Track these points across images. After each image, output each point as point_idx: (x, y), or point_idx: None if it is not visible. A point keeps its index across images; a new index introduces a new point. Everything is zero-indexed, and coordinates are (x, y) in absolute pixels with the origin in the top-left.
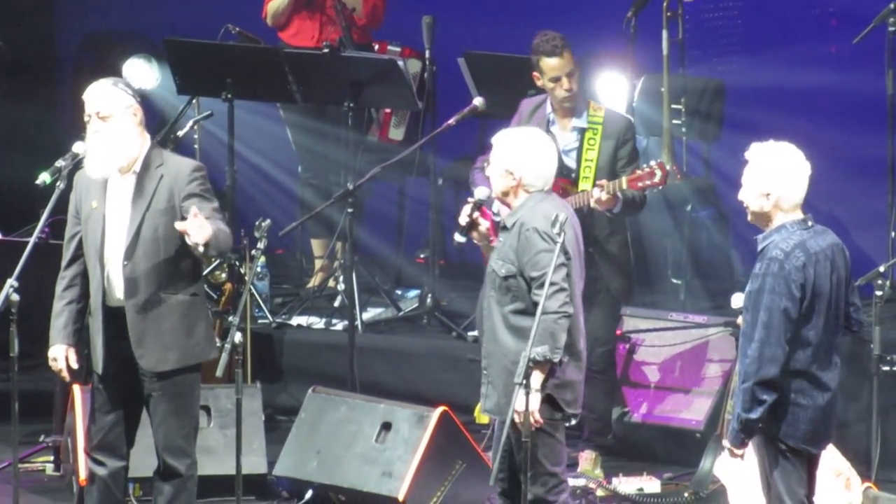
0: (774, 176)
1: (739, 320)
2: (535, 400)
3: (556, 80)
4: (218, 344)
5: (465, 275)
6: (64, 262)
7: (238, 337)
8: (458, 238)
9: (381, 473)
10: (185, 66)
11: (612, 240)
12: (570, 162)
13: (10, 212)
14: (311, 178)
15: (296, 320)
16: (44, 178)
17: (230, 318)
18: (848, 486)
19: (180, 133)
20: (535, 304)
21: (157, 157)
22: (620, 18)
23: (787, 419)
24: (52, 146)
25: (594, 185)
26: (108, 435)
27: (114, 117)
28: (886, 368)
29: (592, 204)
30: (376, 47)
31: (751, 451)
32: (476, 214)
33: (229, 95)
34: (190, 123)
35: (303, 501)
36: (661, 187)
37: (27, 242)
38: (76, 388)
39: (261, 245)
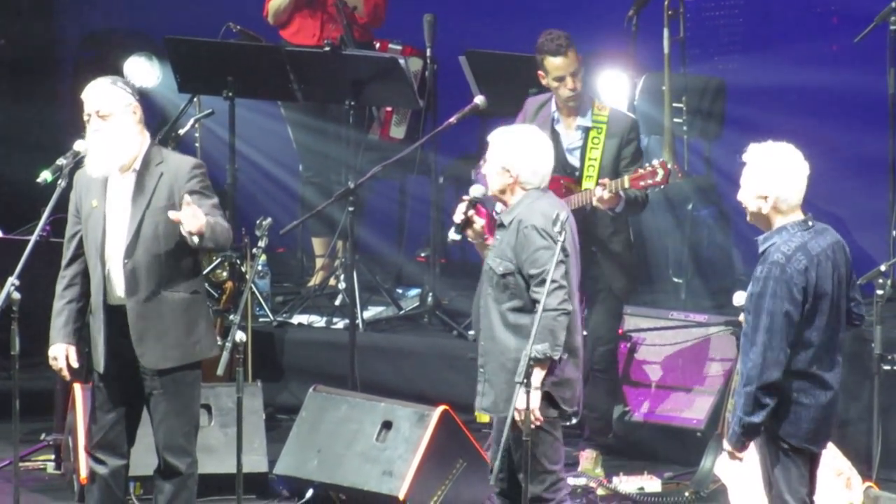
0: (772, 178)
1: (741, 318)
2: (536, 398)
3: (561, 79)
4: (219, 342)
5: (465, 273)
6: (64, 261)
7: (239, 335)
8: (453, 236)
9: (381, 472)
10: (186, 65)
11: (615, 239)
12: (574, 160)
13: (11, 210)
14: (312, 176)
15: (297, 319)
16: (45, 176)
17: (231, 317)
18: (849, 486)
19: (181, 131)
20: (534, 302)
21: (156, 155)
22: (622, 17)
23: (789, 418)
24: (53, 144)
25: (597, 183)
26: (108, 433)
27: (113, 116)
28: (887, 368)
29: (595, 203)
30: (377, 46)
31: (751, 451)
32: (471, 212)
33: (230, 94)
34: (191, 122)
35: (303, 500)
36: (662, 186)
37: (28, 241)
38: (77, 387)
39: (262, 243)
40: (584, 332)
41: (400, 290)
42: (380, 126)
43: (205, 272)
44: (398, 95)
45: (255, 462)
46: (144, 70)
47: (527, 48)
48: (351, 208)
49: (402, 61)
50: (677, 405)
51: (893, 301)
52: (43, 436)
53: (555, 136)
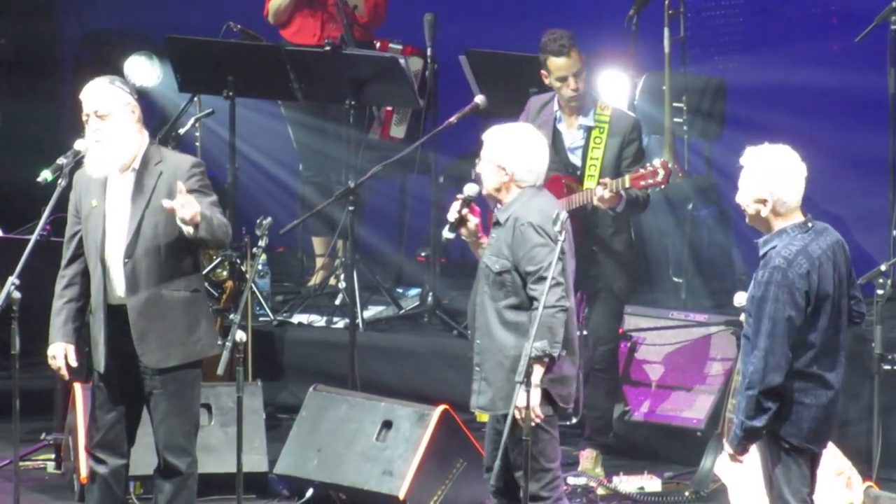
0: (770, 180)
1: (742, 318)
2: (536, 395)
3: (563, 79)
4: (219, 342)
5: (466, 273)
6: (64, 261)
7: (239, 335)
8: (447, 234)
9: (381, 472)
10: (187, 64)
11: (616, 238)
12: (576, 160)
13: (11, 209)
14: (312, 175)
15: (297, 318)
16: (45, 175)
17: (231, 316)
18: (849, 485)
19: (182, 131)
20: (531, 299)
21: (155, 154)
22: (622, 16)
23: (790, 418)
24: (53, 144)
25: (598, 183)
26: (108, 433)
27: (112, 115)
28: (888, 367)
29: (595, 202)
30: (378, 45)
31: (752, 450)
32: (465, 211)
33: (231, 93)
34: (191, 121)
35: (303, 500)
36: (663, 186)
37: (28, 240)
38: (77, 386)
39: (262, 243)
40: (584, 332)
41: (400, 290)
42: (380, 125)
43: (205, 272)
44: (398, 95)
45: (255, 461)
46: (145, 69)
47: (527, 48)
48: (351, 208)
49: (402, 61)
50: (677, 405)
51: (893, 301)
52: (43, 435)
53: (557, 136)
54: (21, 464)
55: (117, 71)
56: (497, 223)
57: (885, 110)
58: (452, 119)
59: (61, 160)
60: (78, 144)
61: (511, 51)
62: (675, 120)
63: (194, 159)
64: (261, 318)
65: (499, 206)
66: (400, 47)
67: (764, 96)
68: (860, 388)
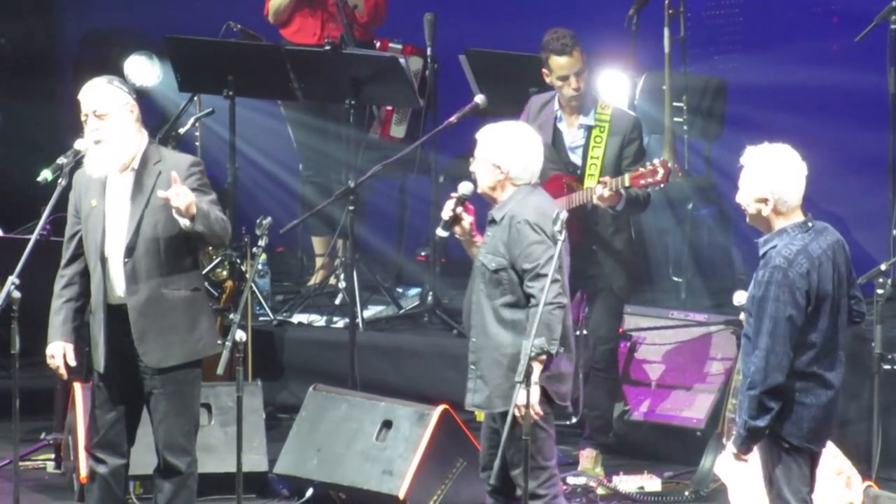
0: (771, 180)
1: (742, 317)
2: (535, 393)
3: (565, 78)
4: (219, 341)
5: (466, 273)
6: (63, 261)
7: (239, 334)
8: (441, 233)
9: (381, 471)
10: (187, 64)
11: (616, 238)
12: (576, 159)
13: (11, 209)
14: (312, 175)
15: (297, 318)
16: (45, 175)
17: (231, 316)
18: (848, 485)
19: (182, 130)
20: (527, 297)
21: (154, 154)
22: (622, 16)
23: (791, 418)
24: (53, 143)
25: (598, 182)
26: (108, 433)
27: (111, 115)
28: (887, 367)
29: (595, 201)
30: (378, 45)
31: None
32: (459, 209)
33: (231, 93)
34: (191, 121)
35: (303, 499)
36: (662, 185)
37: (28, 240)
38: (77, 386)
39: (262, 242)
40: (584, 331)
41: (400, 290)
42: (380, 125)
43: (205, 271)
44: (398, 94)
45: (255, 461)
46: (145, 69)
47: (527, 47)
48: (351, 207)
49: (402, 60)
50: (677, 404)
51: (893, 300)
52: (43, 435)
53: (557, 135)
54: (21, 463)
55: (117, 71)
56: (493, 221)
57: (885, 110)
58: (452, 119)
59: (61, 160)
60: (78, 144)
61: (511, 50)
62: (675, 119)
63: (193, 158)
64: (261, 318)
65: (495, 204)
66: (400, 47)
67: (764, 96)
68: (860, 388)
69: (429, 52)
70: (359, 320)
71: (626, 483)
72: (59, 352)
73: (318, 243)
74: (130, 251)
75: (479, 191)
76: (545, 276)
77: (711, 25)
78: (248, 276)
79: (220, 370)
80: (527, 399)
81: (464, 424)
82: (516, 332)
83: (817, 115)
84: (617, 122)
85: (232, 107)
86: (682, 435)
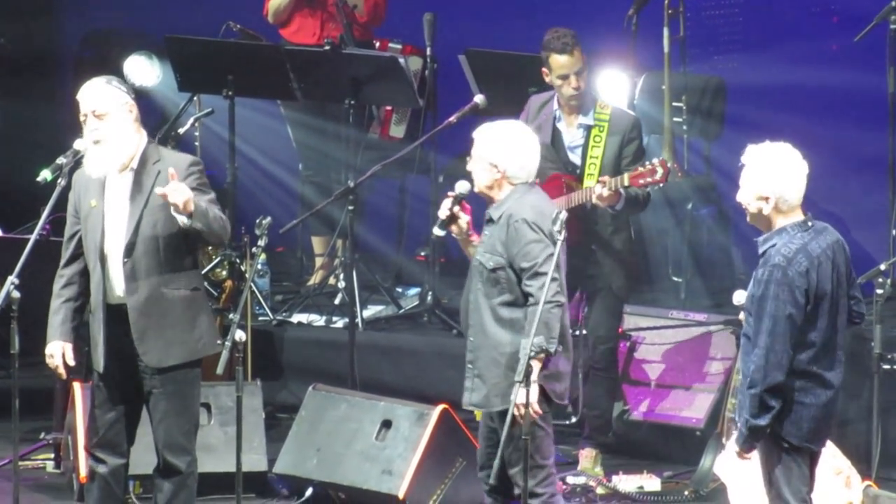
0: (772, 179)
1: (741, 317)
2: (534, 392)
3: (565, 77)
4: (219, 341)
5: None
6: (63, 261)
7: (239, 334)
8: (437, 232)
9: (381, 471)
10: (187, 64)
11: (616, 237)
12: (576, 159)
13: (10, 209)
14: (311, 175)
15: (296, 318)
16: (45, 175)
17: (231, 316)
18: (848, 485)
19: (181, 130)
20: (525, 295)
21: (153, 154)
22: (621, 16)
23: (790, 418)
24: (53, 143)
25: (597, 181)
26: (108, 432)
27: (110, 115)
28: (887, 367)
29: (594, 200)
30: (377, 45)
31: None
32: (456, 208)
33: (230, 93)
34: (191, 121)
35: (303, 499)
36: (661, 185)
37: (28, 240)
38: (76, 386)
39: (261, 242)
40: (584, 331)
41: (399, 289)
42: (379, 125)
43: (204, 271)
44: (398, 94)
45: (255, 461)
46: (144, 69)
47: (527, 47)
48: (351, 207)
49: (401, 60)
50: (677, 404)
51: (893, 300)
52: (42, 435)
53: (556, 135)
54: (20, 463)
55: (117, 71)
56: (490, 220)
57: (885, 110)
58: (452, 118)
59: (61, 160)
60: (77, 144)
61: (511, 50)
62: (675, 119)
63: (192, 158)
64: (260, 318)
65: (491, 203)
66: (399, 47)
67: (763, 96)
68: (859, 388)
69: (428, 51)
70: (358, 320)
71: (626, 483)
72: (58, 351)
73: (317, 243)
74: (130, 251)
75: (475, 190)
76: (543, 274)
77: (711, 25)
78: (247, 275)
79: (219, 370)
80: (526, 398)
81: (463, 424)
82: (514, 330)
83: (817, 114)
84: (616, 122)
85: (231, 107)
86: (681, 434)
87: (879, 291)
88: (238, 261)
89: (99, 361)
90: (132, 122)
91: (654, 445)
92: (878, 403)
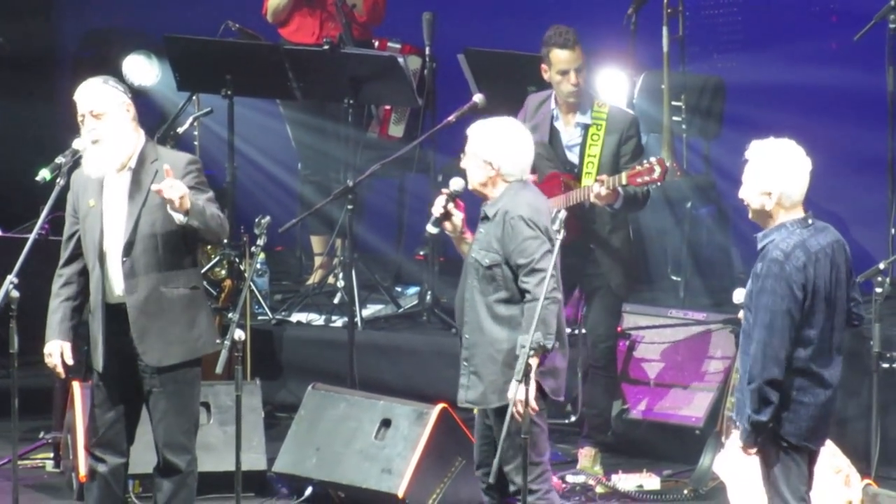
0: (775, 174)
1: (741, 315)
2: (533, 389)
3: (564, 73)
4: (218, 340)
5: None
6: (62, 261)
7: (238, 334)
8: (431, 229)
9: (380, 470)
10: (186, 63)
11: (614, 236)
12: (573, 157)
13: (9, 208)
14: (310, 174)
15: (295, 317)
16: (43, 174)
17: (230, 315)
18: (847, 483)
19: (180, 130)
20: (522, 292)
21: (151, 153)
22: (621, 15)
23: (789, 417)
24: (52, 143)
25: (595, 180)
26: (108, 432)
27: (108, 115)
28: (886, 366)
29: (592, 199)
30: (376, 44)
31: None
32: (450, 206)
33: (229, 92)
34: (190, 120)
35: (302, 498)
36: (660, 184)
37: (27, 239)
38: (76, 385)
39: (260, 242)
40: (583, 330)
41: (399, 289)
42: (378, 124)
43: (203, 270)
44: (397, 94)
45: (254, 460)
46: (143, 68)
47: (526, 47)
48: (350, 206)
49: (400, 60)
50: (676, 403)
51: (892, 299)
52: (42, 434)
53: (554, 133)
54: (20, 462)
55: (116, 70)
56: (485, 217)
57: (884, 109)
58: (451, 118)
59: (60, 159)
60: (76, 143)
61: (509, 49)
62: (674, 119)
63: (190, 157)
64: (259, 317)
65: (485, 200)
66: (398, 46)
67: (763, 95)
68: (859, 386)
69: (427, 51)
70: (357, 319)
71: (625, 481)
72: (57, 350)
73: (316, 242)
74: (128, 250)
75: (469, 187)
76: (540, 270)
77: (710, 24)
78: (246, 275)
79: (218, 369)
80: (525, 396)
81: (462, 423)
82: (511, 327)
83: (816, 113)
84: (614, 120)
85: (230, 106)
86: (680, 433)
87: (878, 290)
88: (237, 260)
89: (98, 361)
90: (130, 122)
91: (653, 444)
92: (878, 402)
